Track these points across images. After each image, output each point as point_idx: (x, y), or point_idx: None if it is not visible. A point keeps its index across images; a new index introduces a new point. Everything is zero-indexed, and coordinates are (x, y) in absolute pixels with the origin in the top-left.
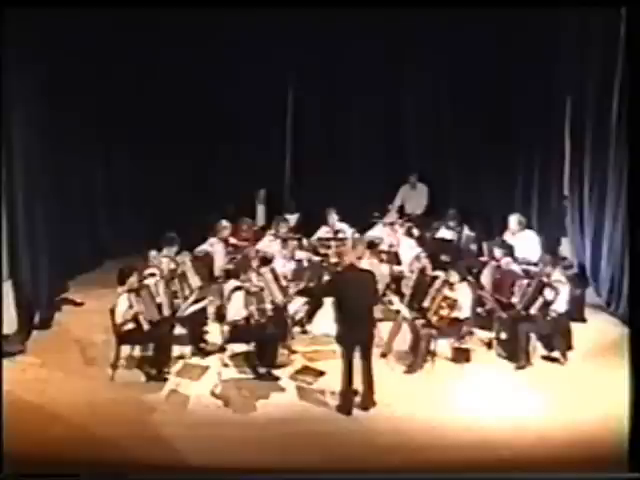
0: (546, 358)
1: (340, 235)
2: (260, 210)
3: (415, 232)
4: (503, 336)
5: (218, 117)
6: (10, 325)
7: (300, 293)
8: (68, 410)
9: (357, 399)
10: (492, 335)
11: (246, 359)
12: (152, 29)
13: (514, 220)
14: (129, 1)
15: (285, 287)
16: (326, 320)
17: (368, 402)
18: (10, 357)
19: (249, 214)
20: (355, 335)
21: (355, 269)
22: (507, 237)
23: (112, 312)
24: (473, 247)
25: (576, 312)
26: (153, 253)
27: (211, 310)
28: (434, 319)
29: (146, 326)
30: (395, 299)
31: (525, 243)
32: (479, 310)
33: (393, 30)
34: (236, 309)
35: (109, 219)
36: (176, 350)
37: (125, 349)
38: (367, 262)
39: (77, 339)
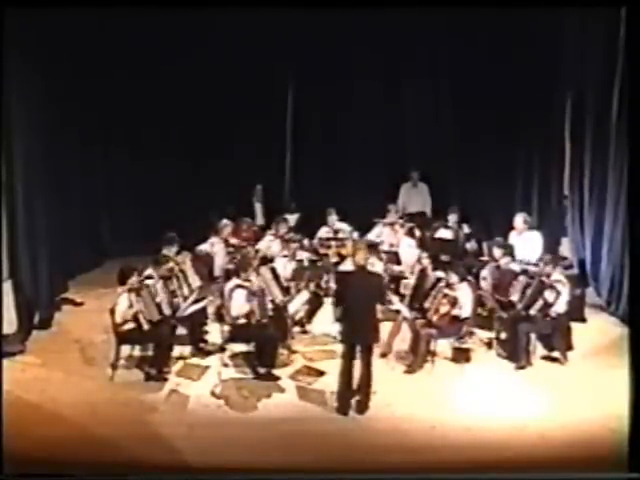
0: (546, 358)
1: (340, 235)
2: (258, 208)
3: (417, 233)
4: (503, 336)
5: (218, 116)
6: (10, 325)
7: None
8: (68, 410)
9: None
10: (492, 335)
11: (246, 359)
12: (152, 29)
13: (520, 219)
14: (129, 1)
15: (285, 287)
16: (326, 320)
17: (364, 406)
18: (10, 357)
19: (249, 214)
20: (356, 335)
21: (364, 271)
22: (513, 236)
23: (112, 312)
24: (473, 247)
25: (576, 312)
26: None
27: (211, 310)
28: (434, 318)
29: (146, 326)
30: (395, 299)
31: (529, 243)
32: (479, 310)
33: (393, 29)
34: (238, 305)
35: (109, 219)
36: (176, 350)
37: (125, 349)
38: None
39: (77, 339)
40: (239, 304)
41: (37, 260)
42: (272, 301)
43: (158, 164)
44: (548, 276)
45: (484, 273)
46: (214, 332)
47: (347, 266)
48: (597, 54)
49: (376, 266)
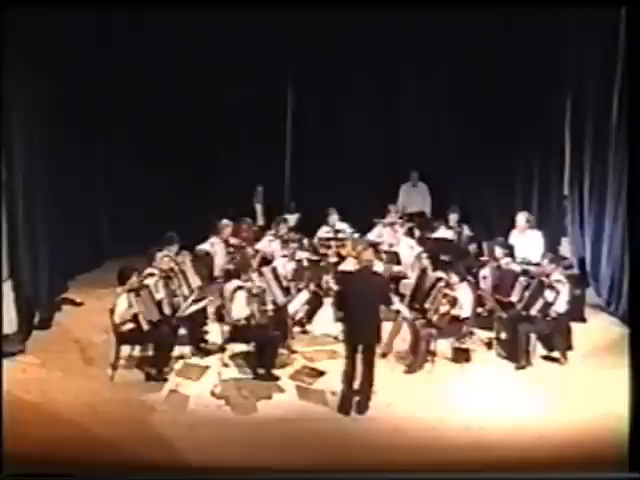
0: (546, 358)
1: (340, 235)
2: (258, 208)
3: (417, 233)
4: (503, 336)
5: (218, 117)
6: (10, 325)
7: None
8: (68, 410)
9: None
10: (492, 335)
11: (246, 359)
12: (152, 29)
13: (522, 218)
14: (129, 1)
15: (285, 287)
16: (326, 320)
17: (364, 406)
18: (10, 357)
19: (249, 214)
20: (359, 335)
21: (368, 270)
22: (514, 235)
23: (112, 312)
24: (473, 247)
25: (576, 312)
26: (159, 254)
27: (211, 310)
28: (434, 318)
29: (145, 326)
30: (395, 299)
31: (530, 242)
32: (479, 310)
33: (393, 29)
34: (239, 308)
35: (109, 219)
36: (176, 350)
37: (125, 349)
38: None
39: (77, 339)
40: (240, 306)
41: (37, 260)
42: (273, 301)
43: (158, 164)
44: (548, 276)
45: (484, 273)
46: (214, 332)
47: (348, 266)
48: (597, 54)
49: (376, 266)
